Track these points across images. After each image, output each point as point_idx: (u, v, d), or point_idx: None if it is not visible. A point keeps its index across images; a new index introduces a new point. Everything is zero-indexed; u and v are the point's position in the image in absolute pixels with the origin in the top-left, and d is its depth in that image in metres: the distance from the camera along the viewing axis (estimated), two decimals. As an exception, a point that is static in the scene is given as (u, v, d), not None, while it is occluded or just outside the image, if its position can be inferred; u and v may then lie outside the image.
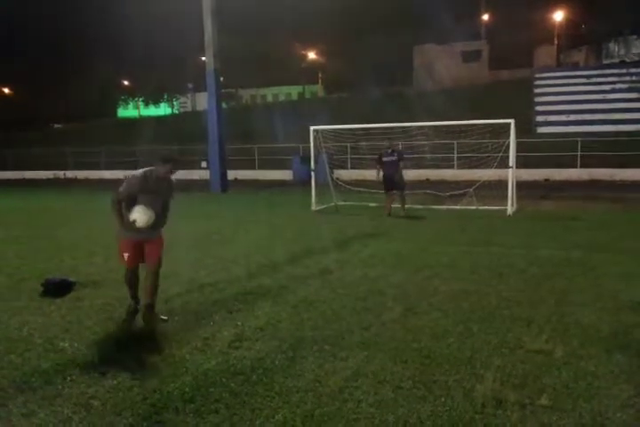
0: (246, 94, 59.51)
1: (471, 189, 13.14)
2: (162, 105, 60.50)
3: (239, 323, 4.68)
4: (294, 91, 59.51)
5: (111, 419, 3.10)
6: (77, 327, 4.66)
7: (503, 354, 3.90)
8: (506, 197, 11.92)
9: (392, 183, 11.83)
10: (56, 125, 58.13)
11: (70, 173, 33.24)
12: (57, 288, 5.72)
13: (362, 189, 14.12)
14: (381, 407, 3.17)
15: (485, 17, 46.09)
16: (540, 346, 4.03)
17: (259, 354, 3.99)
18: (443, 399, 3.24)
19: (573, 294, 5.39)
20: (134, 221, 4.53)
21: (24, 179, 32.80)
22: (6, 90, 58.96)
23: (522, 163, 14.01)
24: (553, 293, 5.45)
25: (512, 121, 11.88)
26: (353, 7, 42.15)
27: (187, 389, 3.44)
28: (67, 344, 4.26)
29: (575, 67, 37.72)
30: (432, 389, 3.38)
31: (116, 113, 63.85)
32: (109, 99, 59.18)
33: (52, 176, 33.38)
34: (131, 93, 59.42)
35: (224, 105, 25.32)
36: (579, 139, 23.30)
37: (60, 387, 3.52)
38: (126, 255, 4.72)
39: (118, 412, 3.18)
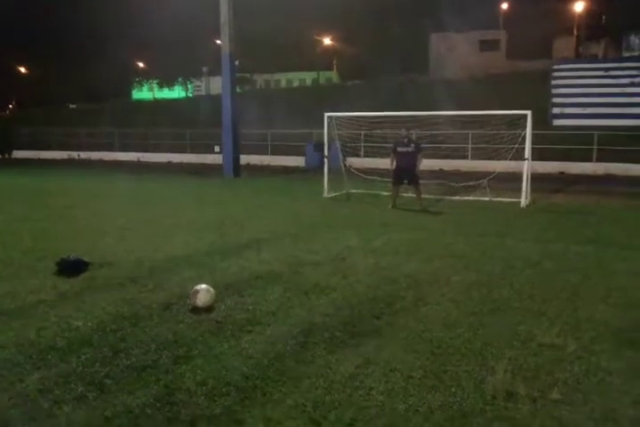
0: (260, 79, 59.19)
1: (485, 180, 13.02)
2: (176, 88, 60.33)
3: (251, 307, 4.71)
4: (309, 77, 59.06)
5: (124, 398, 3.15)
6: (91, 307, 4.72)
7: (514, 346, 3.90)
8: (519, 189, 11.82)
9: (404, 176, 11.14)
10: (71, 106, 58.19)
11: (84, 154, 33.29)
12: (71, 268, 5.79)
13: (374, 178, 14.06)
14: (392, 396, 3.19)
15: (504, 6, 45.35)
16: (551, 340, 4.03)
17: (270, 339, 4.02)
18: (453, 390, 3.25)
19: (585, 289, 5.36)
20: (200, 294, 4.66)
21: (39, 159, 32.95)
22: (22, 69, 59.07)
23: (537, 155, 13.92)
24: (565, 287, 5.43)
25: (529, 113, 11.72)
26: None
27: (199, 371, 3.48)
28: (80, 323, 4.32)
29: (594, 59, 37.05)
30: (443, 379, 3.39)
31: (130, 95, 63.78)
32: (124, 80, 59.09)
33: (66, 157, 33.51)
34: (145, 75, 59.28)
35: (238, 89, 25.16)
36: (595, 132, 22.97)
37: (74, 365, 3.57)
38: None
39: (132, 391, 3.23)
